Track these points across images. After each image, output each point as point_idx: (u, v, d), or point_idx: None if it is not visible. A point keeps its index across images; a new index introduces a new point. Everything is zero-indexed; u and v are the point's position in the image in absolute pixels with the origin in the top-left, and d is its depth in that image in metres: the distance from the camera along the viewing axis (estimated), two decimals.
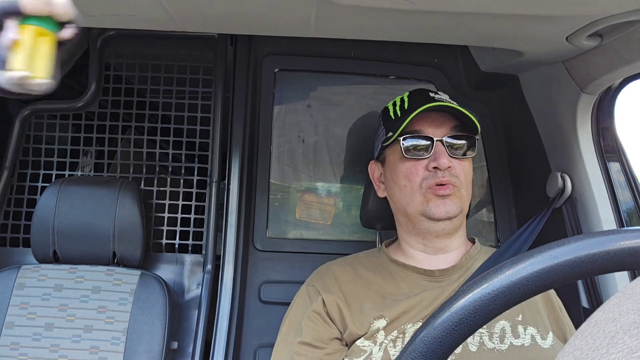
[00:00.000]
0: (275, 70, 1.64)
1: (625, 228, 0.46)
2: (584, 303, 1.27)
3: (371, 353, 1.00)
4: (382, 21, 1.05)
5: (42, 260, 1.44)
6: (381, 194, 1.23)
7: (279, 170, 1.63)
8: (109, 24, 1.20)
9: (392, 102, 1.21)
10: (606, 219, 1.25)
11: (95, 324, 1.36)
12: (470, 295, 0.45)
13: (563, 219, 1.34)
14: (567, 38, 1.06)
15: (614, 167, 1.30)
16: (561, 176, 1.32)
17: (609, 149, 1.30)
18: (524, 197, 1.57)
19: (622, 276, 1.22)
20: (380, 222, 1.41)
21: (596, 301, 1.26)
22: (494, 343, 0.99)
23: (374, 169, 1.25)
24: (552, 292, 1.13)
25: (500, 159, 1.63)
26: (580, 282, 1.29)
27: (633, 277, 1.21)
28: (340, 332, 1.07)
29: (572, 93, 1.25)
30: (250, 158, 1.58)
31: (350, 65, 1.64)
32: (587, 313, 1.23)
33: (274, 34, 1.19)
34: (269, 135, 1.61)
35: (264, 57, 1.64)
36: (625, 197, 1.29)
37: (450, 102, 1.10)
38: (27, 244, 1.52)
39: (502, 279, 0.44)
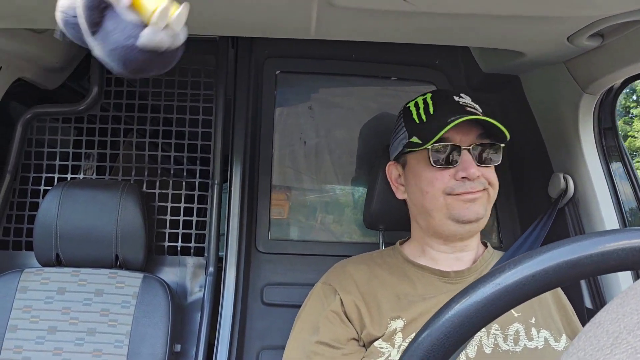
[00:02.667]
0: (277, 72, 1.64)
1: (608, 230, 0.46)
2: (588, 304, 1.27)
3: (390, 356, 1.00)
4: (383, 23, 1.05)
5: (44, 263, 1.44)
6: (400, 195, 1.20)
7: (280, 172, 1.63)
8: None
9: (413, 102, 1.18)
10: (609, 219, 1.25)
11: (98, 327, 1.36)
12: (463, 300, 0.45)
13: (565, 219, 1.34)
14: (568, 38, 1.06)
15: (617, 167, 1.30)
16: (563, 177, 1.32)
17: (611, 149, 1.30)
18: (526, 198, 1.56)
19: (625, 276, 1.22)
20: (383, 223, 1.41)
21: (600, 302, 1.25)
22: (508, 345, 0.99)
23: (392, 170, 1.22)
24: (563, 295, 1.13)
25: (502, 159, 1.63)
26: (583, 283, 1.29)
27: (636, 277, 1.21)
28: (358, 333, 1.07)
29: (573, 93, 1.25)
30: (252, 160, 1.58)
31: (351, 67, 1.65)
32: (591, 314, 1.22)
33: (275, 36, 1.19)
34: (270, 137, 1.62)
35: (265, 59, 1.64)
36: (627, 197, 1.29)
37: (478, 112, 1.09)
38: (29, 247, 1.52)
39: (490, 287, 0.44)
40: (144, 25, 0.53)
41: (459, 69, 1.64)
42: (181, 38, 0.56)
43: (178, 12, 0.54)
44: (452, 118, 1.05)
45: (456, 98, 1.13)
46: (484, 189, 1.07)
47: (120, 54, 0.54)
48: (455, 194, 1.06)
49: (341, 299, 1.09)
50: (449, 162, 1.07)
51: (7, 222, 1.60)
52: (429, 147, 1.06)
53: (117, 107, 1.69)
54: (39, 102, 1.64)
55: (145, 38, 0.53)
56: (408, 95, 1.24)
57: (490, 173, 1.10)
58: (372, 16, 1.00)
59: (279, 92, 1.65)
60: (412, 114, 1.15)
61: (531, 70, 1.37)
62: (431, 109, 1.12)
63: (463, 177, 1.05)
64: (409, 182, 1.16)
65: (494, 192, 1.10)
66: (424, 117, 1.12)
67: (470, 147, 1.07)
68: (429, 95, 1.16)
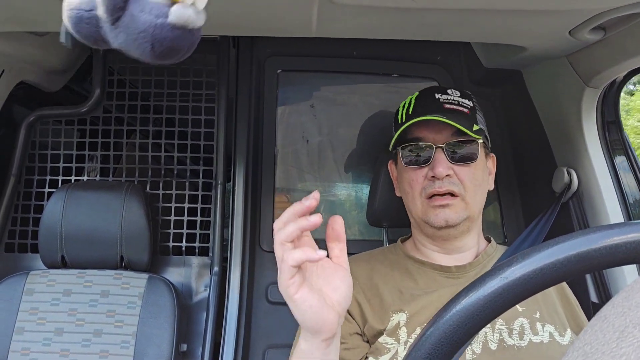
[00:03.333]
0: (278, 71, 1.64)
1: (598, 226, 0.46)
2: (593, 298, 1.27)
3: (397, 352, 1.00)
4: (384, 20, 1.05)
5: (50, 265, 1.45)
6: (398, 193, 1.22)
7: (283, 171, 1.63)
8: None
9: (403, 102, 1.19)
10: (613, 212, 1.24)
11: (104, 328, 1.37)
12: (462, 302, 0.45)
13: (570, 214, 1.34)
14: (570, 32, 1.05)
15: (620, 160, 1.29)
16: (567, 171, 1.32)
17: (615, 142, 1.30)
18: (530, 193, 1.56)
19: (630, 270, 1.22)
20: (387, 220, 1.41)
21: (605, 296, 1.25)
22: (513, 340, 0.99)
23: (393, 169, 1.24)
24: (567, 289, 1.13)
25: (505, 155, 1.63)
26: (589, 277, 1.28)
27: None
28: (360, 327, 1.07)
29: (576, 87, 1.24)
30: (255, 159, 1.58)
31: (353, 64, 1.64)
32: (597, 308, 1.22)
33: (276, 35, 1.19)
34: (273, 136, 1.62)
35: (267, 58, 1.64)
36: (632, 190, 1.28)
37: (458, 110, 1.09)
38: (35, 249, 1.53)
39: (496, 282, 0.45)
40: (171, 3, 0.54)
41: (460, 64, 1.63)
42: (202, 17, 0.57)
43: None
44: (417, 118, 1.06)
45: (437, 95, 1.12)
46: (454, 195, 1.05)
47: (150, 34, 0.54)
48: (428, 196, 1.06)
49: None
50: (421, 162, 1.07)
51: (12, 224, 1.60)
52: (399, 147, 1.09)
53: (119, 108, 1.69)
54: (42, 105, 1.64)
55: (176, 14, 0.53)
56: (410, 92, 1.24)
57: (466, 172, 1.07)
58: (373, 13, 1.00)
59: (280, 90, 1.65)
60: (398, 114, 1.17)
61: (533, 64, 1.37)
62: (411, 109, 1.12)
63: (433, 177, 1.05)
64: (399, 181, 1.19)
65: (470, 196, 1.07)
66: (404, 117, 1.13)
67: (443, 145, 1.06)
68: (415, 95, 1.17)
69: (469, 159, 1.08)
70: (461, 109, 1.10)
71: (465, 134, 1.07)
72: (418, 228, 1.15)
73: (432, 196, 1.06)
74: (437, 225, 1.06)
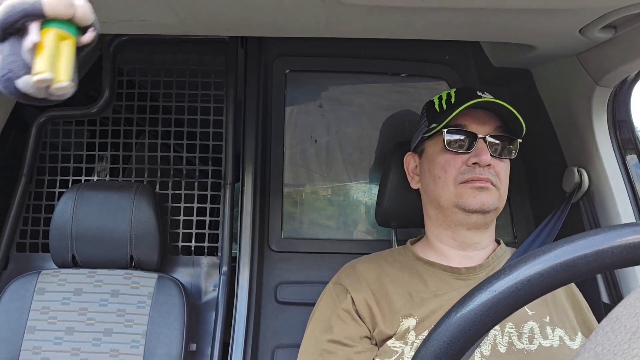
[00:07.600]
0: (286, 71, 1.65)
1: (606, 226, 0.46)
2: (605, 298, 1.26)
3: (403, 353, 1.00)
4: (392, 20, 1.05)
5: (61, 265, 1.46)
6: (414, 185, 1.24)
7: (292, 171, 1.63)
8: (121, 30, 1.21)
9: (437, 96, 1.22)
10: (625, 212, 1.23)
11: (114, 327, 1.38)
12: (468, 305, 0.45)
13: (580, 214, 1.33)
14: (580, 31, 1.05)
15: (632, 159, 1.28)
16: (577, 171, 1.31)
17: (626, 141, 1.29)
18: (540, 192, 1.55)
19: None
20: (395, 220, 1.41)
21: (617, 296, 1.24)
22: (523, 343, 0.98)
23: (410, 161, 1.25)
24: (577, 292, 1.12)
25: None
26: (600, 277, 1.27)
27: None
28: (370, 331, 1.07)
29: (586, 86, 1.23)
30: (263, 159, 1.59)
31: (361, 64, 1.64)
32: (608, 309, 1.21)
33: (285, 35, 1.19)
34: (281, 136, 1.62)
35: (275, 58, 1.64)
36: None
37: (498, 101, 1.11)
38: (46, 249, 1.54)
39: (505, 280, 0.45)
40: (28, 69, 0.55)
41: (469, 64, 1.63)
42: (63, 97, 0.58)
43: (58, 87, 0.56)
44: (469, 103, 1.08)
45: (479, 92, 1.15)
46: (493, 185, 1.08)
47: (3, 79, 0.55)
48: (465, 180, 1.07)
49: (352, 298, 1.10)
50: (463, 148, 1.10)
51: (23, 224, 1.62)
52: (444, 129, 1.10)
53: (129, 109, 1.70)
54: (53, 106, 1.65)
55: (21, 83, 0.55)
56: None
57: (502, 167, 1.11)
58: (381, 13, 1.00)
59: (288, 91, 1.65)
60: (434, 105, 1.19)
61: (543, 63, 1.36)
62: (453, 99, 1.15)
63: (474, 163, 1.07)
64: (424, 169, 1.19)
65: (504, 190, 1.11)
66: (444, 106, 1.15)
67: (486, 136, 1.09)
68: (453, 90, 1.20)
69: (507, 154, 1.12)
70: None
71: (506, 130, 1.12)
72: (441, 217, 1.14)
73: (469, 181, 1.08)
74: (471, 208, 1.07)
